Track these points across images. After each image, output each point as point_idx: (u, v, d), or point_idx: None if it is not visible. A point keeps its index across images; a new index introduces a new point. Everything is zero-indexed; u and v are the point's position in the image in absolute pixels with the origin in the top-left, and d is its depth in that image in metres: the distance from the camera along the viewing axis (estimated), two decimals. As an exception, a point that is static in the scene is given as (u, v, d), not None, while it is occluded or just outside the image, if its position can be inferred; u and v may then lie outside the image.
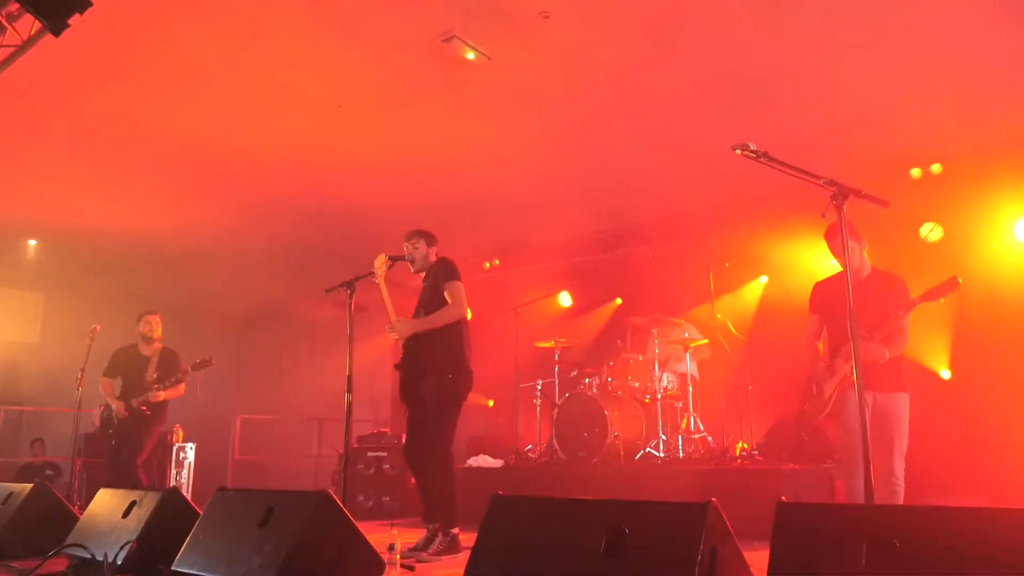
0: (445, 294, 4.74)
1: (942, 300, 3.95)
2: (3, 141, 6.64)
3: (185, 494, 8.10)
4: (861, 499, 3.74)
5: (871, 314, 4.03)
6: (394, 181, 7.57)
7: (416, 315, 4.90)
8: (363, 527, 5.43)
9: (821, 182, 2.77)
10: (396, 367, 4.86)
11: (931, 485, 6.10)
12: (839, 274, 4.30)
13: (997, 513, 1.85)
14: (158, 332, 6.42)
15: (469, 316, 4.87)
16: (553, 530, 2.35)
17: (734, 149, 2.88)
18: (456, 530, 4.56)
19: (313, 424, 10.80)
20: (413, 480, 5.11)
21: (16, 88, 5.64)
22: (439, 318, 4.71)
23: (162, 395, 6.12)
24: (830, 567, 1.94)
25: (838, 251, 3.95)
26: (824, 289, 4.45)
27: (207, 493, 9.16)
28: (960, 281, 3.91)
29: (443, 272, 4.82)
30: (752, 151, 2.86)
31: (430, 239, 5.02)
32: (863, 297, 4.10)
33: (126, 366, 6.36)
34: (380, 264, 4.84)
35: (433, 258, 5.01)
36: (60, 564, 3.84)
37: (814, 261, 6.72)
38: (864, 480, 2.46)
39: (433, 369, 4.67)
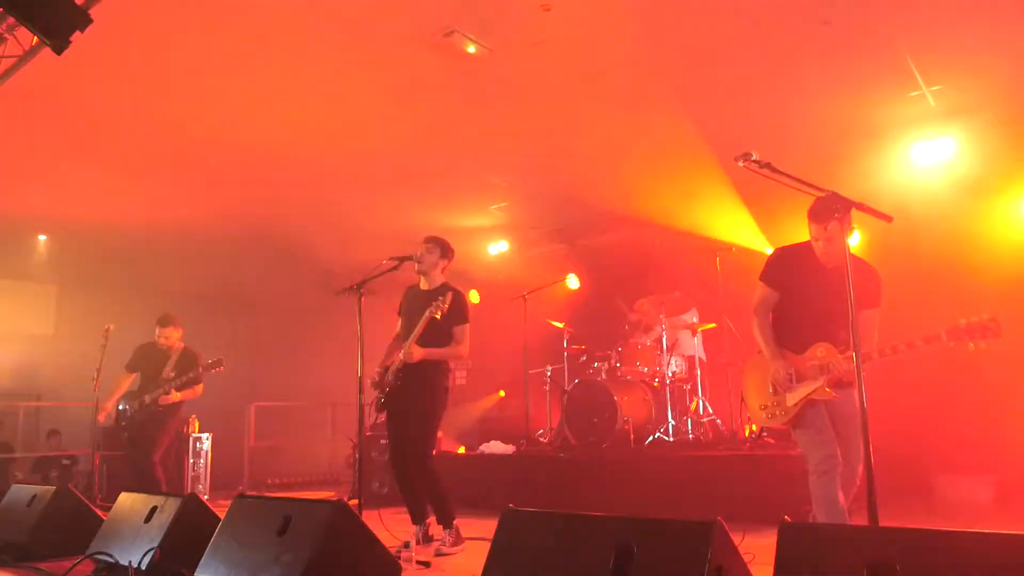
0: (455, 333, 4.81)
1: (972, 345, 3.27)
2: (9, 141, 6.69)
3: (203, 484, 8.29)
4: (842, 506, 3.50)
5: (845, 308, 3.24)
6: (396, 174, 7.58)
7: (409, 321, 4.89)
8: (378, 513, 5.56)
9: (824, 195, 2.77)
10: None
11: (937, 464, 6.16)
12: (804, 246, 3.77)
13: (999, 538, 1.88)
14: (170, 340, 6.45)
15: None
16: (562, 546, 2.41)
17: (736, 160, 2.88)
18: (456, 521, 4.78)
19: (327, 408, 10.93)
20: None
21: (20, 91, 5.66)
22: (448, 353, 4.83)
23: (177, 396, 6.20)
24: (832, 590, 1.98)
25: (823, 235, 3.56)
26: (789, 265, 3.85)
27: (226, 482, 9.29)
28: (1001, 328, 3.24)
29: (455, 311, 4.75)
30: (755, 161, 2.85)
31: (445, 251, 4.99)
32: (840, 287, 3.25)
33: (146, 362, 6.43)
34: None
35: (442, 271, 5.00)
36: (86, 568, 3.95)
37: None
38: (868, 499, 2.49)
39: (421, 386, 4.78)
